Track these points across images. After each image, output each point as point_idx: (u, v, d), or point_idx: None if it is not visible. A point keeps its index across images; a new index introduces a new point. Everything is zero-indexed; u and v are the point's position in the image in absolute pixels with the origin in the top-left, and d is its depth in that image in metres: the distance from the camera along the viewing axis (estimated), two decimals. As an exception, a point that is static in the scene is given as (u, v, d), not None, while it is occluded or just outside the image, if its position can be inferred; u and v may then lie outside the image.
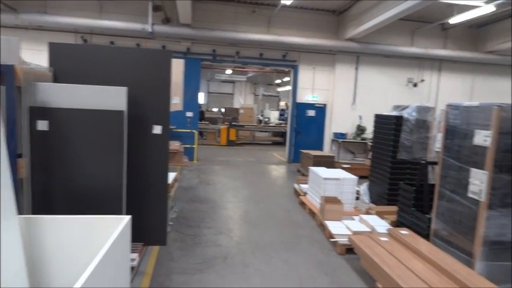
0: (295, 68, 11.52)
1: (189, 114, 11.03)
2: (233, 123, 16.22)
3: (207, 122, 17.49)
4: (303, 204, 6.78)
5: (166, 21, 10.09)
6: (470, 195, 3.82)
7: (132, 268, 3.19)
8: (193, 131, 11.11)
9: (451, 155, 4.14)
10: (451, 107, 4.19)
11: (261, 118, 19.92)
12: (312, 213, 6.23)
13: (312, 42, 10.64)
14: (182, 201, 6.71)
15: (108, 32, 10.05)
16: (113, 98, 3.42)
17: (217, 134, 16.51)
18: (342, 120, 11.66)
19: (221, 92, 27.79)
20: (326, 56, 11.52)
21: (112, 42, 10.35)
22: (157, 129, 3.80)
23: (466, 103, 4.01)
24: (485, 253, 3.70)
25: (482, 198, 3.64)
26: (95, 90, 3.45)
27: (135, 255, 3.33)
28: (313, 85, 11.65)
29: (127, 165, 3.48)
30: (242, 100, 26.71)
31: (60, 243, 2.19)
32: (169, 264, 4.20)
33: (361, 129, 11.31)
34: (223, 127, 16.05)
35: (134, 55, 4.00)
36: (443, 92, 12.00)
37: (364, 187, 7.09)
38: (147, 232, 3.94)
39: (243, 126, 17.08)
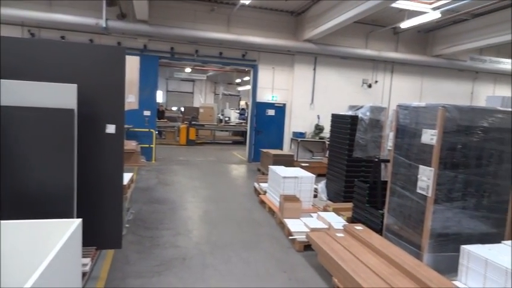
0: (254, 68, 11.57)
1: (147, 113, 10.73)
2: (193, 122, 15.99)
3: (165, 120, 17.09)
4: (262, 203, 6.83)
5: (122, 16, 9.74)
6: (418, 190, 4.04)
7: (84, 273, 3.04)
8: (151, 130, 10.82)
9: (402, 153, 4.35)
10: (401, 107, 4.40)
11: (222, 117, 19.82)
12: (271, 211, 6.29)
13: (271, 43, 10.74)
14: (140, 203, 6.51)
15: (58, 26, 9.50)
16: (62, 95, 3.23)
17: (176, 133, 16.20)
18: (301, 119, 11.88)
19: (181, 90, 27.30)
20: (285, 56, 11.68)
21: (63, 37, 9.81)
22: (110, 129, 3.64)
23: (415, 104, 4.23)
24: (432, 245, 3.93)
25: (429, 193, 3.87)
26: (43, 87, 3.23)
27: (87, 260, 3.17)
28: (272, 85, 11.77)
29: (78, 167, 3.31)
30: (202, 99, 26.43)
31: (6, 250, 2.05)
32: (125, 268, 4.06)
33: (319, 129, 11.59)
34: (182, 126, 15.78)
35: (85, 51, 3.80)
36: (395, 93, 12.60)
37: (322, 185, 7.27)
38: (100, 235, 3.77)
39: (203, 125, 16.90)
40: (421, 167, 4.00)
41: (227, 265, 4.30)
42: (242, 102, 24.16)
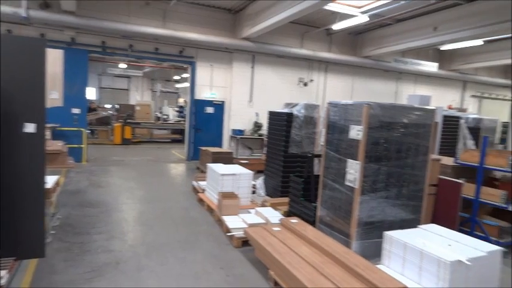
0: (192, 65, 11.40)
1: (76, 110, 10.05)
2: (128, 120, 15.31)
3: (94, 112, 16.08)
4: (201, 201, 6.77)
5: (45, 6, 8.99)
6: (347, 183, 4.29)
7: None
8: (81, 129, 10.15)
9: (332, 148, 4.59)
10: (331, 104, 4.64)
11: (160, 115, 19.23)
12: (210, 209, 6.27)
13: (209, 39, 10.65)
14: (68, 207, 6.09)
15: (-32, 13, 8.50)
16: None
17: (110, 132, 15.39)
18: (240, 117, 11.96)
19: (115, 87, 25.94)
20: (223, 54, 11.66)
21: (-26, 26, 8.80)
22: (29, 128, 3.35)
23: (343, 101, 4.48)
24: (359, 233, 4.21)
25: (356, 185, 4.13)
26: None
27: (3, 273, 2.90)
28: (211, 82, 11.69)
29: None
30: (139, 96, 25.37)
31: None
32: (51, 278, 3.77)
33: (258, 126, 11.78)
34: (117, 125, 15.03)
35: (-1, 42, 3.45)
36: (329, 91, 13.23)
37: (260, 181, 7.40)
38: (20, 244, 3.47)
39: (139, 123, 16.27)
40: (349, 160, 4.25)
41: (163, 266, 4.20)
42: (181, 100, 23.65)
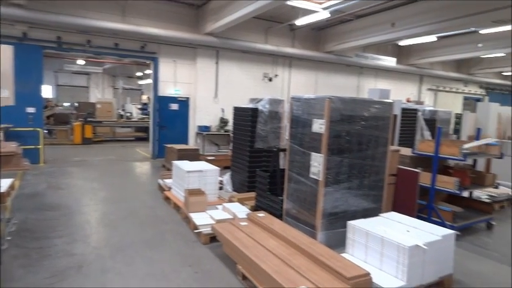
0: (155, 61, 11.14)
1: (31, 110, 9.54)
2: (89, 119, 14.75)
3: (48, 109, 15.32)
4: (167, 199, 6.67)
5: (-7, -2, 8.42)
6: (311, 176, 4.39)
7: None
8: (38, 129, 9.65)
9: (296, 142, 4.67)
10: (294, 99, 4.71)
11: (122, 113, 18.66)
12: (176, 207, 6.19)
13: (171, 35, 10.45)
14: (25, 211, 5.80)
15: None
16: None
17: (70, 131, 14.76)
18: (205, 113, 11.86)
19: (74, 84, 24.87)
20: (187, 49, 11.49)
21: None
22: (-22, 128, 3.15)
23: (306, 96, 4.56)
24: (324, 224, 4.32)
25: (320, 177, 4.24)
26: None
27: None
28: (175, 78, 11.49)
29: None
30: (99, 94, 24.48)
31: None
32: (9, 286, 3.59)
33: (224, 122, 11.74)
34: (76, 124, 14.43)
35: None
36: (294, 86, 13.41)
37: (227, 177, 7.39)
38: (-28, 252, 3.26)
39: (100, 122, 15.71)
40: (313, 154, 4.35)
41: (129, 267, 4.11)
42: (144, 97, 23.07)
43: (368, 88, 13.24)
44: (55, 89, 24.01)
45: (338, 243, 4.32)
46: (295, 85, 13.46)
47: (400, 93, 15.83)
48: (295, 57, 13.14)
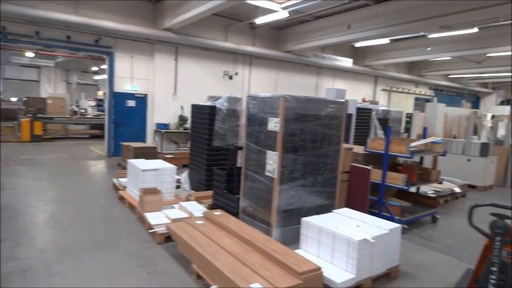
0: (110, 55, 10.73)
1: (-28, 104, 8.85)
2: (38, 115, 13.93)
3: None
4: (122, 199, 6.47)
5: None
6: (267, 173, 4.44)
7: None
8: (-20, 125, 8.99)
9: (252, 140, 4.70)
10: (251, 97, 4.74)
11: (76, 109, 17.81)
12: (131, 207, 6.02)
13: (127, 29, 10.11)
14: (-37, 214, 5.38)
15: None
16: None
17: (17, 128, 13.86)
18: (164, 110, 11.61)
19: (23, 78, 23.33)
20: (145, 45, 11.17)
21: None
22: None
23: (262, 94, 4.61)
24: (279, 221, 4.39)
25: (275, 175, 4.30)
26: None
27: None
28: (132, 74, 11.14)
29: None
30: (51, 89, 23.16)
31: None
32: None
33: (183, 120, 11.55)
34: (25, 120, 13.59)
35: None
36: (254, 85, 13.47)
37: (184, 175, 7.30)
38: None
39: (51, 118, 14.90)
40: (268, 152, 4.40)
41: (78, 270, 3.95)
42: (100, 93, 22.13)
43: (325, 88, 13.57)
44: (1, 82, 22.41)
45: (293, 239, 4.41)
46: (256, 83, 13.53)
47: (356, 93, 16.42)
48: (256, 56, 13.20)
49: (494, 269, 2.63)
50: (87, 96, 21.37)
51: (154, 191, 5.67)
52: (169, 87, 11.67)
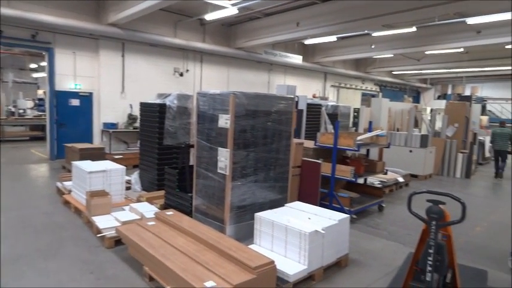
0: (50, 51, 10.05)
1: None
2: (-31, 116, 12.74)
3: None
4: (67, 203, 6.12)
5: None
6: (219, 171, 4.42)
7: None
8: None
9: (203, 138, 4.65)
10: (200, 94, 4.68)
11: (14, 110, 16.52)
12: (78, 211, 5.71)
13: (68, 23, 9.53)
14: None
15: None
16: None
17: None
18: (111, 109, 11.12)
19: (-51, 76, 21.14)
20: (88, 41, 10.61)
21: None
22: None
23: (212, 91, 4.57)
24: (232, 218, 4.40)
25: (227, 172, 4.29)
26: None
27: None
28: (75, 71, 10.53)
29: None
30: (-16, 88, 21.25)
31: None
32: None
33: (132, 118, 11.15)
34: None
35: None
36: (206, 82, 13.33)
37: (135, 176, 7.06)
38: None
39: (-16, 120, 13.71)
40: (220, 149, 4.38)
41: (19, 281, 3.67)
42: (40, 92, 20.70)
43: (277, 84, 13.77)
44: None
45: (247, 235, 4.45)
46: (207, 80, 13.40)
47: (307, 90, 16.86)
48: (206, 53, 13.05)
49: (431, 251, 2.83)
50: (26, 95, 19.87)
51: (102, 194, 5.43)
52: (117, 84, 11.20)
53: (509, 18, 9.25)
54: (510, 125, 13.02)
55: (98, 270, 3.97)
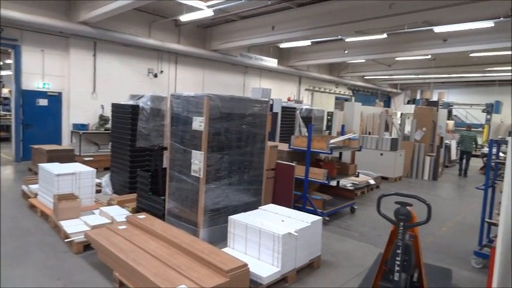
0: (16, 49, 9.65)
1: None
2: None
3: None
4: (33, 207, 5.89)
5: None
6: (192, 173, 4.39)
7: None
8: None
9: (177, 140, 4.61)
10: (174, 96, 4.64)
11: (-24, 109, 15.71)
12: (45, 215, 5.51)
13: (36, 20, 9.18)
14: None
15: None
16: None
17: None
18: (82, 110, 10.79)
19: None
20: (58, 39, 10.26)
21: None
22: None
23: (186, 93, 4.54)
24: (206, 221, 4.38)
25: (201, 174, 4.27)
26: None
27: None
28: (43, 70, 10.15)
29: None
30: None
31: None
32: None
33: (104, 119, 10.87)
34: None
35: None
36: (180, 83, 13.19)
37: (106, 178, 6.89)
38: None
39: None
40: (194, 151, 4.35)
41: (-21, 290, 3.50)
42: (5, 90, 19.81)
43: (252, 87, 13.81)
44: None
45: (220, 238, 4.44)
46: (182, 82, 13.26)
47: (282, 93, 17.01)
48: (181, 54, 12.93)
49: (399, 251, 2.93)
50: (-10, 94, 18.96)
51: (70, 197, 5.25)
52: (88, 84, 10.89)
53: (473, 27, 9.73)
54: (475, 129, 13.70)
55: (65, 277, 3.84)
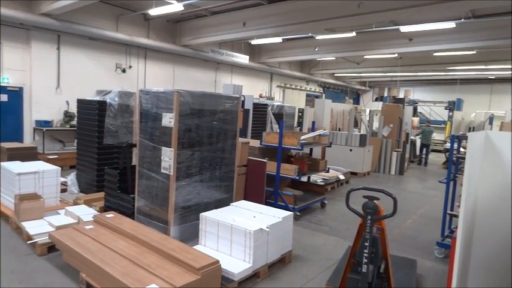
0: (-28, 41, 9.10)
1: None
2: None
3: None
4: (-8, 208, 5.58)
5: None
6: (162, 171, 4.31)
7: None
8: None
9: (146, 137, 4.51)
10: (143, 92, 4.53)
11: None
12: (5, 216, 5.24)
13: (-7, 11, 8.68)
14: None
15: None
16: None
17: None
18: (45, 106, 10.32)
19: None
20: (18, 31, 9.74)
21: None
22: None
23: (155, 89, 4.44)
24: (177, 218, 4.32)
25: (171, 172, 4.20)
26: None
27: None
28: (2, 64, 9.61)
29: None
30: None
31: None
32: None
33: (69, 116, 10.45)
34: None
35: None
36: (150, 79, 12.90)
37: (72, 177, 6.64)
38: None
39: None
40: (164, 148, 4.28)
41: None
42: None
43: (223, 83, 13.73)
44: None
45: (192, 235, 4.39)
46: (152, 78, 12.97)
47: (254, 89, 17.03)
48: (151, 49, 12.64)
49: (366, 244, 3.01)
50: None
51: (33, 197, 5.02)
52: (51, 79, 10.43)
53: (436, 28, 10.13)
54: (437, 125, 14.46)
55: (28, 280, 3.68)
